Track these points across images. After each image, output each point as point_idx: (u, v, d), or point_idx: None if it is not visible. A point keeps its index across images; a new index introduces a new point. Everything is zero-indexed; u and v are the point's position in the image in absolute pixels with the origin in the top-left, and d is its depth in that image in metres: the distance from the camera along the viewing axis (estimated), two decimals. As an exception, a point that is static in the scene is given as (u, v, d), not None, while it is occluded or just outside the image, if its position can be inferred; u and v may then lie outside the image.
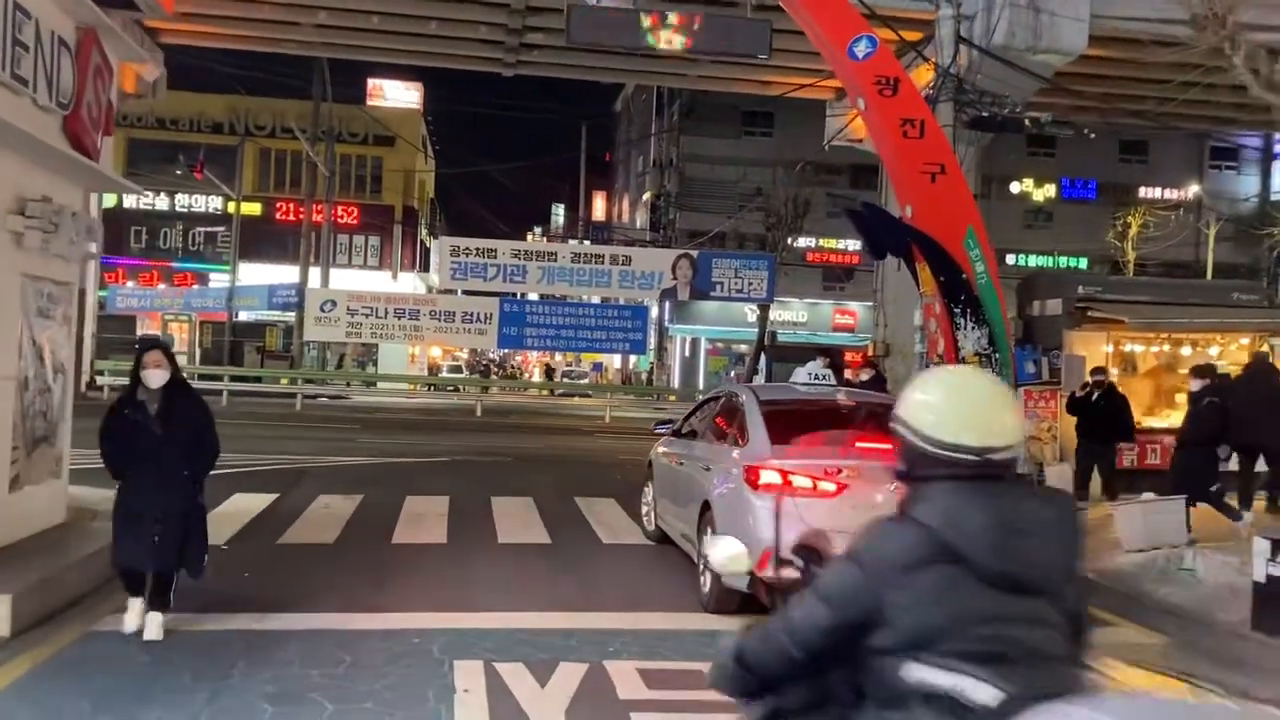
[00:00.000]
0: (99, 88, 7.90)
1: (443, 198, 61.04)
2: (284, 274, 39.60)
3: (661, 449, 9.89)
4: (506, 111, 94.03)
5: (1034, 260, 40.90)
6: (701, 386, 38.44)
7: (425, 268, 45.73)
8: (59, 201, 7.55)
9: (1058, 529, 2.14)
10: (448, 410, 31.01)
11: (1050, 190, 43.49)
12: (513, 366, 66.01)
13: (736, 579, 2.63)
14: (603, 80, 32.16)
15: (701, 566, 7.41)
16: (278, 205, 43.53)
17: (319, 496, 11.96)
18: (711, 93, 35.26)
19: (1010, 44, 17.85)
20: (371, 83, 46.16)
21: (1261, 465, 11.55)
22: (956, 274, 13.55)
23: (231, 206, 39.06)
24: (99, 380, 28.36)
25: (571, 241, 49.62)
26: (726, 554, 2.74)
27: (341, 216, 42.49)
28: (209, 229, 43.61)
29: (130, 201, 42.63)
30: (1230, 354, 14.39)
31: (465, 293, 30.99)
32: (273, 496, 11.79)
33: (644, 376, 47.91)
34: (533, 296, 29.07)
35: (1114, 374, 14.33)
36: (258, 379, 33.30)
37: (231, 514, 10.59)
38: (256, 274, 40.19)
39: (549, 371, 55.36)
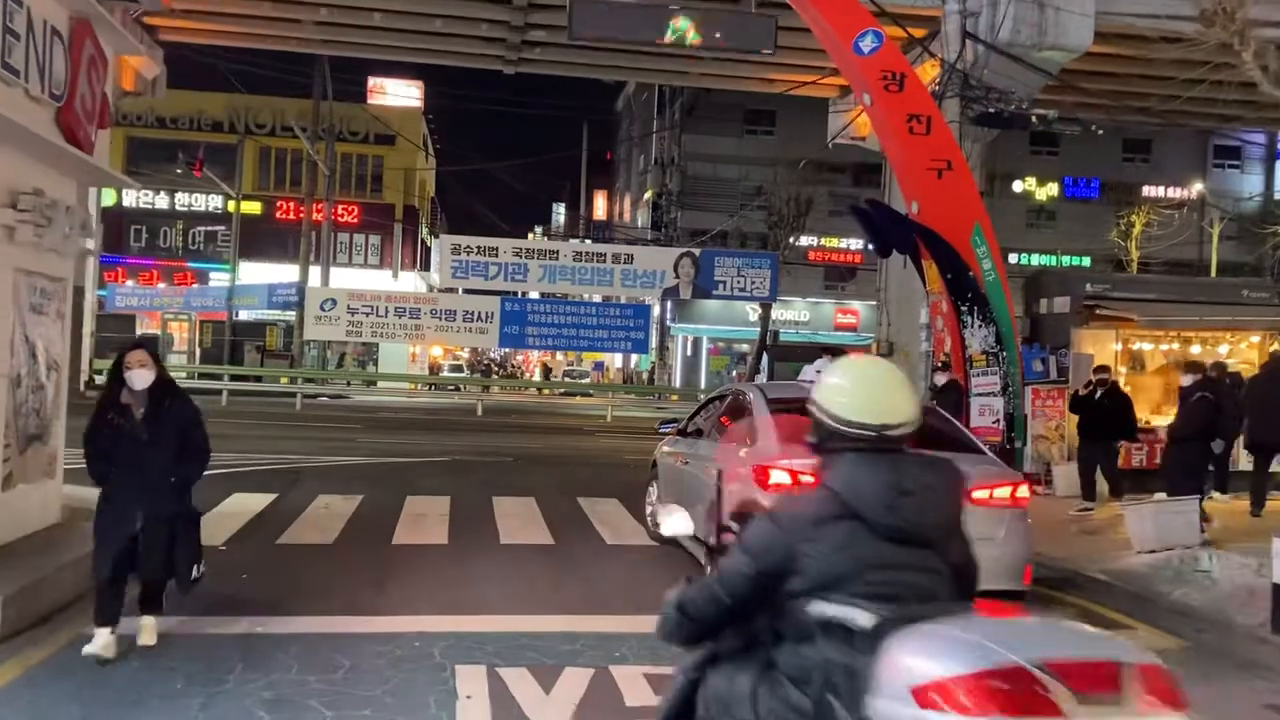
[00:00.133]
0: (93, 79, 7.74)
1: (443, 197, 60.98)
2: (284, 273, 39.51)
3: (666, 448, 9.75)
4: (508, 107, 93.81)
5: (1036, 259, 40.76)
6: (703, 386, 38.30)
7: (426, 267, 45.56)
8: (52, 195, 7.40)
9: (940, 491, 2.52)
10: (448, 410, 30.86)
11: (1053, 189, 43.34)
12: (513, 366, 65.87)
13: (687, 542, 3.22)
14: (605, 78, 32.02)
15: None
16: (278, 204, 43.41)
17: (318, 496, 11.81)
18: (714, 91, 35.14)
19: (1015, 40, 17.70)
20: (372, 81, 46.02)
21: (1276, 465, 11.43)
22: (964, 271, 13.43)
23: (231, 205, 38.92)
24: (98, 380, 28.19)
25: (573, 240, 49.46)
26: (676, 525, 3.17)
27: (342, 215, 42.37)
28: (209, 228, 43.52)
29: (130, 200, 42.57)
30: (1240, 352, 14.26)
31: (466, 291, 30.87)
32: (272, 496, 11.65)
33: (645, 376, 47.75)
34: (534, 295, 28.92)
35: (1122, 372, 14.21)
36: (257, 378, 33.17)
37: (230, 514, 10.46)
38: (256, 273, 40.08)
39: (546, 371, 55.23)
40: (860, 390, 2.56)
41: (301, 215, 39.44)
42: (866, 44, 13.53)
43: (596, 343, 29.74)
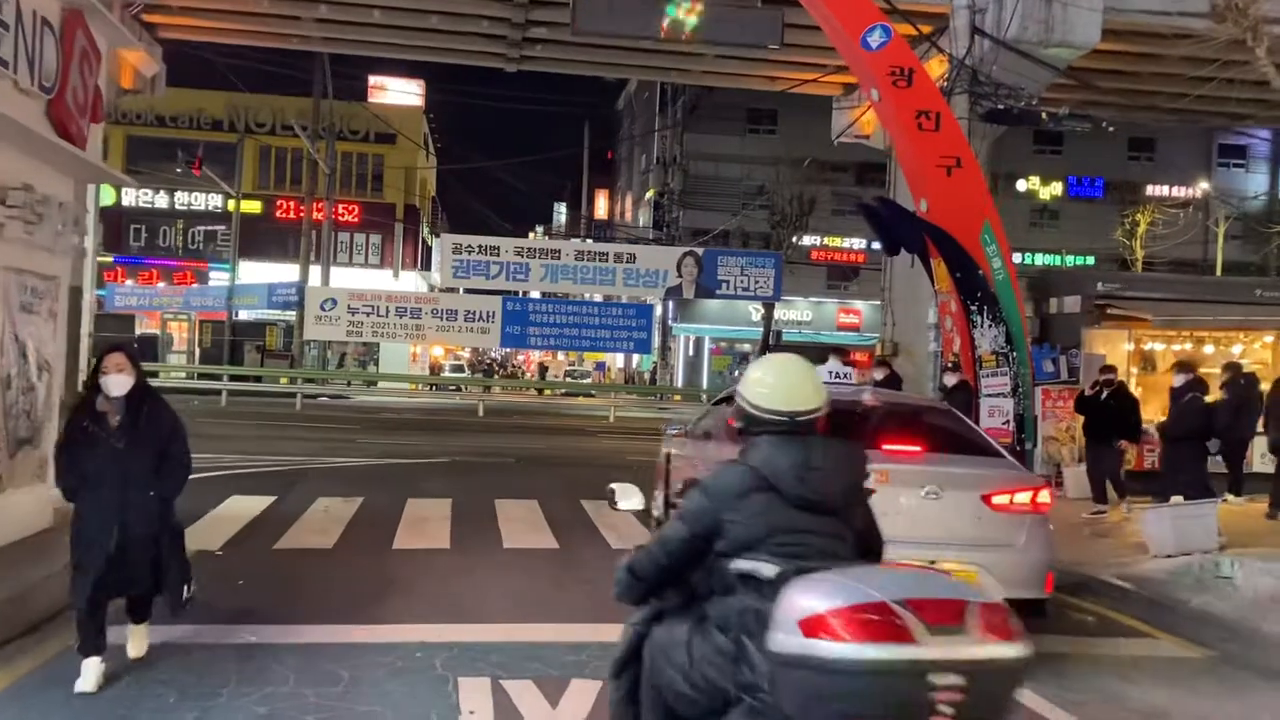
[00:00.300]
0: (85, 72, 7.53)
1: (444, 196, 60.81)
2: (284, 272, 39.31)
3: (673, 451, 9.54)
4: (509, 104, 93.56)
5: (1040, 259, 40.55)
6: (705, 386, 38.11)
7: (427, 266, 45.34)
8: (43, 191, 7.19)
9: (842, 467, 2.99)
10: (450, 410, 30.67)
11: (1057, 188, 43.11)
12: (514, 366, 65.70)
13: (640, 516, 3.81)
14: (607, 76, 31.77)
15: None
16: (278, 203, 43.21)
17: (318, 499, 11.60)
18: (716, 90, 34.91)
19: (1022, 37, 17.49)
20: (373, 79, 45.79)
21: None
22: (973, 270, 13.22)
23: (231, 204, 38.72)
24: (97, 380, 27.98)
25: (574, 240, 49.28)
26: (630, 503, 3.86)
27: (342, 214, 42.18)
28: (209, 227, 43.33)
29: (130, 199, 42.39)
30: (1254, 352, 14.06)
31: (467, 291, 30.66)
32: (270, 499, 11.42)
33: (647, 376, 47.57)
34: (535, 295, 28.71)
35: (1134, 373, 14.01)
36: (257, 378, 32.98)
37: (227, 517, 10.26)
38: (256, 272, 39.88)
39: (542, 370, 55.05)
40: (777, 383, 3.03)
41: (302, 214, 39.24)
42: (875, 39, 13.33)
43: (599, 343, 29.53)
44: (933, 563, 6.10)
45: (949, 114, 13.79)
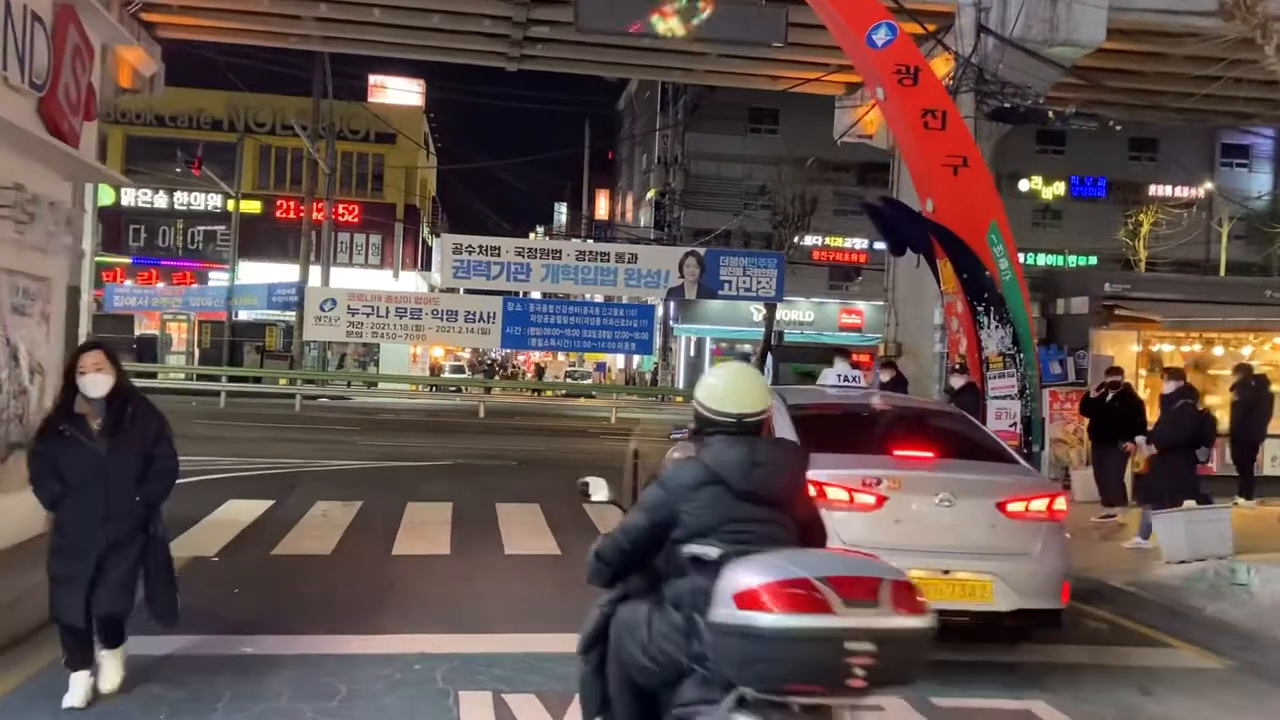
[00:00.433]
0: (78, 69, 7.38)
1: (445, 196, 60.64)
2: (284, 273, 39.14)
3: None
4: (510, 102, 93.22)
5: (1043, 259, 40.35)
6: (707, 387, 37.82)
7: (427, 266, 45.17)
8: (34, 190, 7.03)
9: (783, 464, 3.36)
10: (450, 411, 30.53)
11: (1059, 188, 42.88)
12: (514, 366, 65.54)
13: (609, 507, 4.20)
14: (609, 75, 31.60)
15: None
16: (278, 203, 43.04)
17: (316, 503, 11.44)
18: (718, 89, 34.73)
19: (1027, 36, 17.34)
20: (373, 79, 45.63)
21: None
22: (980, 270, 13.05)
23: (231, 204, 38.56)
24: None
25: (575, 240, 49.12)
26: (600, 495, 4.15)
27: (342, 214, 42.01)
28: (208, 227, 43.17)
29: (129, 199, 42.24)
30: (1264, 354, 13.90)
31: (468, 292, 30.49)
32: (268, 503, 11.26)
33: (648, 377, 47.42)
34: (535, 295, 28.53)
35: (1143, 375, 13.84)
36: (257, 379, 32.83)
37: (223, 522, 10.11)
38: (256, 273, 39.72)
39: (539, 370, 54.86)
40: (727, 388, 3.40)
41: (301, 214, 39.06)
42: (880, 37, 13.17)
43: (600, 343, 29.33)
44: (946, 572, 5.97)
45: (955, 113, 13.63)
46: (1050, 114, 16.71)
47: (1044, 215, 42.95)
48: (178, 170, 38.18)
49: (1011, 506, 6.09)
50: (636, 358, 46.12)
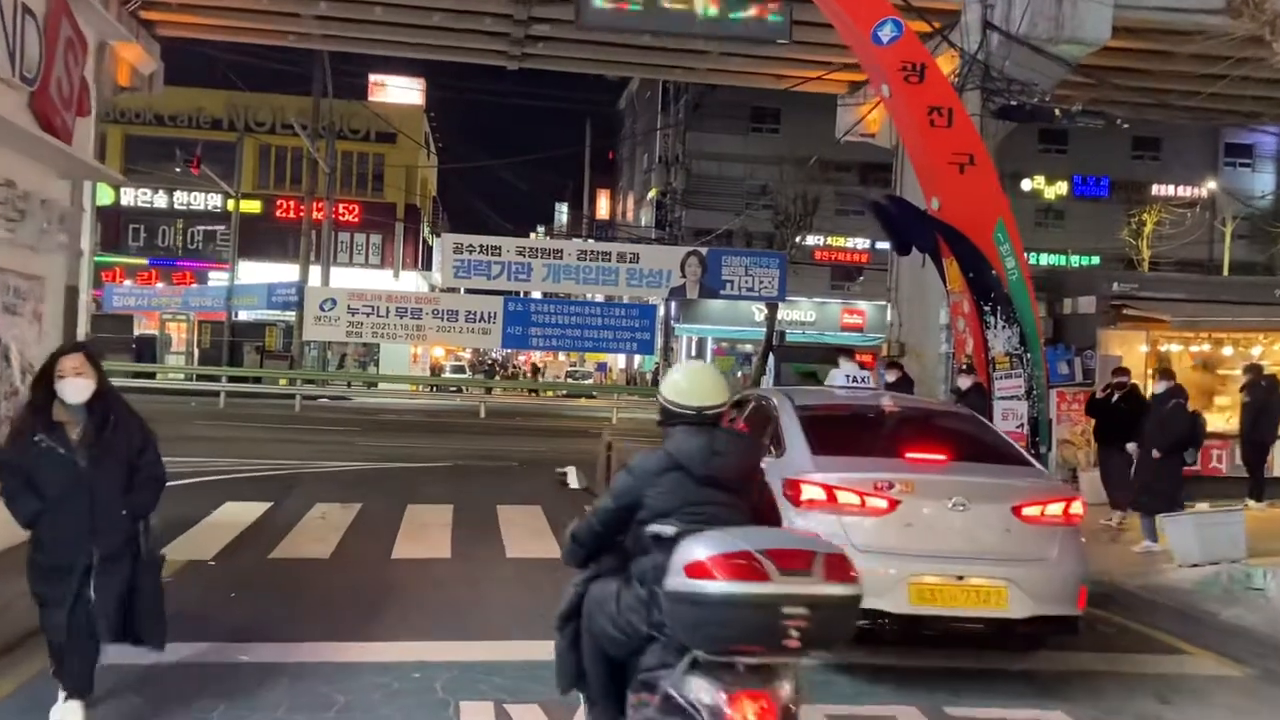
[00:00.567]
0: (70, 63, 7.22)
1: (445, 196, 60.49)
2: (284, 272, 39.00)
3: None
4: (510, 104, 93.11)
5: (1045, 259, 40.12)
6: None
7: (427, 266, 45.03)
8: (26, 187, 6.88)
9: (739, 454, 3.74)
10: (451, 411, 30.39)
11: (1062, 187, 42.69)
12: (514, 366, 65.38)
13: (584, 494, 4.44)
14: (610, 74, 31.44)
15: None
16: (277, 203, 42.88)
17: (315, 505, 11.30)
18: (719, 88, 34.58)
19: (1032, 33, 17.21)
20: (373, 78, 45.47)
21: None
22: (986, 270, 12.91)
23: (231, 204, 38.42)
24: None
25: (576, 240, 48.96)
26: (574, 483, 4.47)
27: (342, 214, 41.86)
28: (208, 227, 43.03)
29: (128, 199, 42.08)
30: (1273, 354, 13.73)
31: (468, 291, 30.35)
32: (266, 505, 11.12)
33: (649, 377, 47.26)
34: (536, 295, 28.39)
35: (1151, 375, 13.67)
36: (256, 379, 32.68)
37: (221, 525, 9.97)
38: (256, 272, 39.58)
39: (535, 370, 54.66)
40: (689, 384, 3.76)
41: (301, 214, 38.90)
42: (886, 33, 13.02)
43: (602, 343, 29.18)
44: (960, 578, 5.82)
45: (962, 110, 13.48)
46: (1056, 112, 16.55)
47: (1046, 215, 42.76)
48: (177, 170, 38.02)
49: (1027, 510, 5.93)
50: (637, 358, 45.95)
